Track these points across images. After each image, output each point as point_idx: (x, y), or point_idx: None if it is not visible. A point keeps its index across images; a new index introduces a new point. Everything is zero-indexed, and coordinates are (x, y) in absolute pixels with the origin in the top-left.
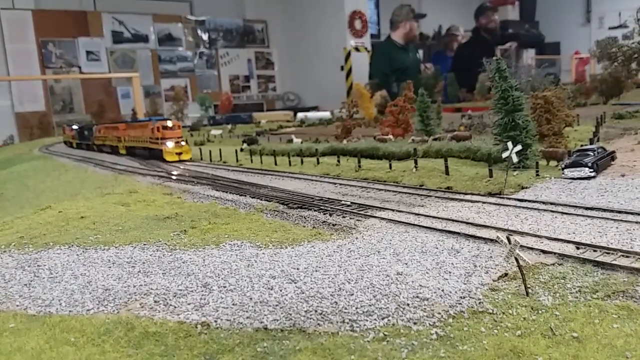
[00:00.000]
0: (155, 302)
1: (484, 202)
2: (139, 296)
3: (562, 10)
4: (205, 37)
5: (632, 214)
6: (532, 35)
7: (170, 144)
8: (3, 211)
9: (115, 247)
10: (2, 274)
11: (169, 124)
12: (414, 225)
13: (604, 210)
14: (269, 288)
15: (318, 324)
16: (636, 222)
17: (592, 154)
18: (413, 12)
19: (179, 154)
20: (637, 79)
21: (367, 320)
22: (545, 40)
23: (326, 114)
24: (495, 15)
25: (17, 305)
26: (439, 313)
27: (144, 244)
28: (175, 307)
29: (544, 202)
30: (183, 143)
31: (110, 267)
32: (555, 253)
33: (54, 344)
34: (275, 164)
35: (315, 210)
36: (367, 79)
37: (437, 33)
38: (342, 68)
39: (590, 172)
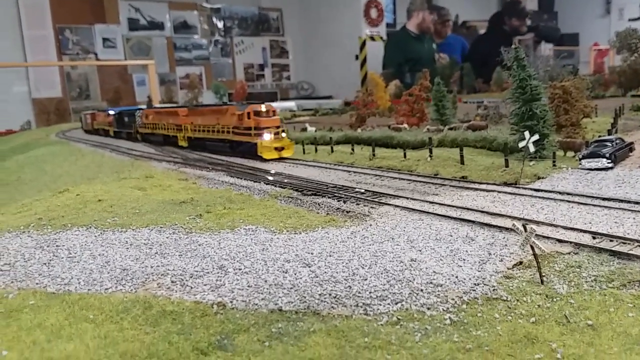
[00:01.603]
0: (172, 282)
1: (499, 192)
2: (156, 276)
3: (582, 1)
4: (220, 25)
5: None
6: (549, 28)
7: (267, 136)
8: (22, 194)
9: (133, 230)
10: (22, 253)
11: (263, 108)
12: (428, 213)
13: (621, 201)
14: (283, 271)
15: (332, 307)
16: None
17: (610, 145)
18: (428, 3)
19: (279, 149)
20: None
21: (380, 305)
22: (564, 31)
23: (291, 105)
24: (527, 20)
25: (37, 283)
26: (453, 299)
27: (161, 227)
28: (191, 288)
29: (560, 192)
30: (283, 134)
31: (127, 248)
32: (571, 242)
33: (73, 320)
34: None
35: (329, 197)
36: (381, 68)
37: (454, 23)
38: (356, 57)
39: (608, 163)
